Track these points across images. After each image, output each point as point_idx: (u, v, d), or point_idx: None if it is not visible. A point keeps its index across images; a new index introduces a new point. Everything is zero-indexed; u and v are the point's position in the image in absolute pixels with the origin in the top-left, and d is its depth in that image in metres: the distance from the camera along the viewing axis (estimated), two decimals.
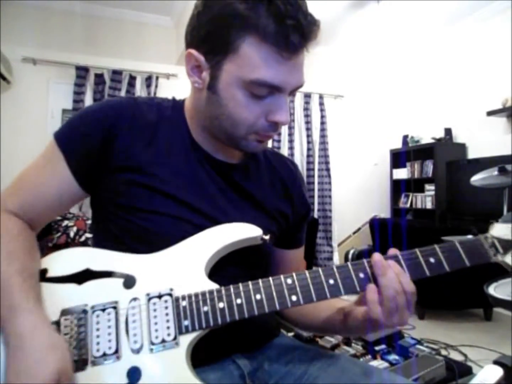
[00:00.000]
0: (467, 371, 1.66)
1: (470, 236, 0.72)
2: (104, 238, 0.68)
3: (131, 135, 0.67)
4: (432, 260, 0.60)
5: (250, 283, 0.60)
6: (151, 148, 0.68)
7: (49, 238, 2.72)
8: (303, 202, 0.83)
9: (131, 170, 0.66)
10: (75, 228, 2.79)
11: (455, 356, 2.02)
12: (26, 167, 0.70)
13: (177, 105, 0.74)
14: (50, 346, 0.53)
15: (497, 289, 1.57)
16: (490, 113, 3.44)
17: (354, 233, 4.22)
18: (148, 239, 0.65)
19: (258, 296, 0.59)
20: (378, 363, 1.58)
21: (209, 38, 0.61)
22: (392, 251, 0.62)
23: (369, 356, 1.65)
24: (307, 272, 0.60)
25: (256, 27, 0.57)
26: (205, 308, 0.58)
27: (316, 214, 4.21)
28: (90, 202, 0.73)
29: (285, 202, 0.79)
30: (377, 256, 0.60)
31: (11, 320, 0.54)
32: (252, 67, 0.59)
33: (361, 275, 0.60)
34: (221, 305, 0.58)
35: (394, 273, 0.58)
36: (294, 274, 0.60)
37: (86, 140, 0.65)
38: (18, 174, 0.69)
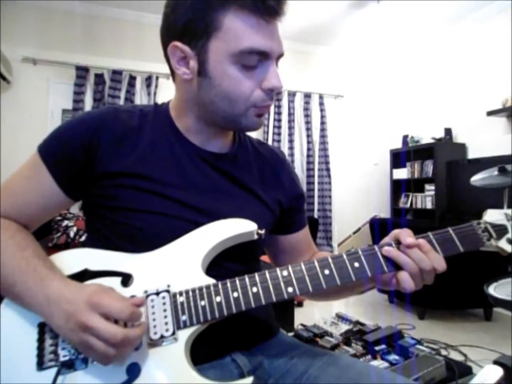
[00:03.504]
0: (467, 371, 1.66)
1: None
2: (98, 242, 0.68)
3: (114, 143, 0.67)
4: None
5: (246, 276, 0.60)
6: (136, 152, 0.68)
7: (49, 238, 2.72)
8: (294, 185, 0.84)
9: (118, 175, 0.66)
10: (75, 228, 2.80)
11: (455, 356, 2.02)
12: (13, 175, 0.70)
13: (159, 108, 0.76)
14: (84, 284, 0.58)
15: (497, 289, 1.57)
16: (490, 113, 3.44)
17: (354, 233, 4.22)
18: (143, 239, 0.65)
19: (254, 289, 0.59)
20: (378, 363, 1.58)
21: (190, 26, 0.63)
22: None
23: (369, 356, 1.65)
24: (302, 264, 0.61)
25: (234, 0, 0.60)
26: (203, 303, 0.58)
27: (316, 214, 4.21)
28: (82, 208, 0.74)
29: (276, 187, 0.80)
30: (385, 248, 0.60)
31: (44, 286, 0.57)
32: (239, 38, 0.61)
33: (356, 264, 0.60)
34: (218, 299, 0.59)
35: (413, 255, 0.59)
36: (289, 266, 0.61)
37: (69, 153, 0.66)
38: (5, 181, 0.70)
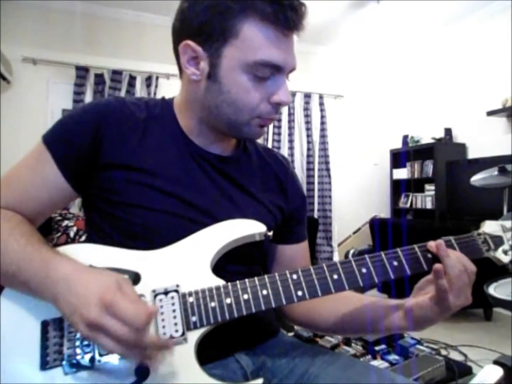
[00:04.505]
0: (467, 371, 1.66)
1: None
2: (98, 239, 0.68)
3: (121, 134, 0.67)
4: (429, 255, 0.63)
5: (256, 279, 0.60)
6: (142, 145, 0.68)
7: (49, 238, 2.72)
8: (298, 194, 0.83)
9: (124, 168, 0.66)
10: (75, 228, 2.79)
11: (455, 356, 2.02)
12: (15, 167, 0.69)
13: (165, 103, 0.75)
14: (96, 274, 0.54)
15: (497, 289, 1.57)
16: (490, 113, 3.44)
17: (354, 233, 4.22)
18: (144, 236, 0.65)
19: (264, 292, 0.59)
20: (378, 363, 1.58)
21: (206, 27, 0.62)
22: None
23: (369, 356, 1.65)
24: (312, 268, 0.61)
25: (255, 9, 0.59)
26: (213, 304, 0.58)
27: (316, 214, 4.21)
28: (82, 204, 0.73)
29: (279, 195, 0.79)
30: (438, 241, 0.62)
31: (51, 269, 0.54)
32: (255, 48, 0.60)
33: (364, 270, 0.61)
34: (228, 300, 0.59)
35: (454, 255, 0.61)
36: (299, 270, 0.61)
37: (75, 142, 0.65)
38: (6, 174, 0.68)
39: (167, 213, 0.66)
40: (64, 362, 0.55)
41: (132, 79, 3.63)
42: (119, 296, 0.50)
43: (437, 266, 0.59)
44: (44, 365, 0.55)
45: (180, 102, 0.73)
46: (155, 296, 0.59)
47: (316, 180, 4.24)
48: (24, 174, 0.67)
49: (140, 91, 3.67)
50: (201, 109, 0.69)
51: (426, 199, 4.12)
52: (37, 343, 0.56)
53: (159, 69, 3.67)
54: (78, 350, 0.56)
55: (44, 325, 0.57)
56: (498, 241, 0.67)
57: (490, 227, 0.68)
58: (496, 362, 1.42)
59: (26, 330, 0.57)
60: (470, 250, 0.65)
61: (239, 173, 0.75)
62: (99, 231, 0.69)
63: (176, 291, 0.59)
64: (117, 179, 0.66)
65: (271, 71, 0.63)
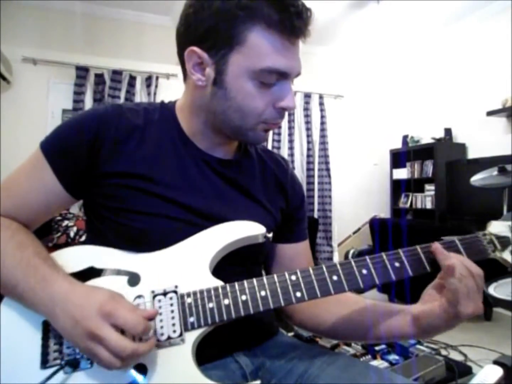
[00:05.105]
0: (467, 371, 1.66)
1: None
2: (98, 243, 0.67)
3: (119, 142, 0.67)
4: (432, 256, 0.62)
5: (254, 280, 0.60)
6: (141, 152, 0.68)
7: (49, 238, 2.72)
8: (297, 195, 0.84)
9: (122, 175, 0.66)
10: (75, 228, 2.79)
11: (455, 356, 2.02)
12: (13, 173, 0.69)
13: (166, 107, 0.75)
14: (93, 288, 0.56)
15: (497, 289, 1.57)
16: (490, 113, 3.44)
17: (354, 233, 4.22)
18: (145, 241, 0.65)
19: (263, 293, 0.59)
20: (378, 363, 1.58)
21: (212, 33, 0.62)
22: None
23: (369, 356, 1.65)
24: (311, 269, 0.61)
25: (262, 17, 0.60)
26: (211, 305, 0.58)
27: (316, 214, 4.21)
28: (83, 207, 0.73)
29: (279, 196, 0.80)
30: (436, 244, 0.62)
31: (47, 286, 0.55)
32: (261, 55, 0.61)
33: (364, 271, 0.61)
34: (226, 301, 0.59)
35: (456, 258, 0.60)
36: (298, 271, 0.61)
37: (73, 152, 0.65)
38: (5, 180, 0.69)
39: (168, 218, 0.66)
40: (63, 362, 0.55)
41: (132, 79, 3.63)
42: (117, 306, 0.52)
43: (449, 263, 0.58)
44: (44, 364, 0.56)
45: (184, 105, 0.73)
46: (154, 297, 0.59)
47: (316, 180, 4.24)
48: (23, 181, 0.68)
49: (140, 91, 3.67)
50: (207, 114, 0.69)
51: (426, 199, 4.12)
52: (38, 342, 0.57)
53: (159, 69, 3.67)
54: (78, 350, 0.56)
55: (45, 325, 0.58)
56: (505, 241, 0.64)
57: (496, 227, 0.66)
58: (496, 362, 1.42)
59: (28, 329, 0.58)
60: (475, 251, 0.63)
61: (241, 176, 0.75)
62: (99, 235, 0.69)
63: (175, 291, 0.59)
64: (117, 186, 0.66)
65: (277, 77, 0.63)
